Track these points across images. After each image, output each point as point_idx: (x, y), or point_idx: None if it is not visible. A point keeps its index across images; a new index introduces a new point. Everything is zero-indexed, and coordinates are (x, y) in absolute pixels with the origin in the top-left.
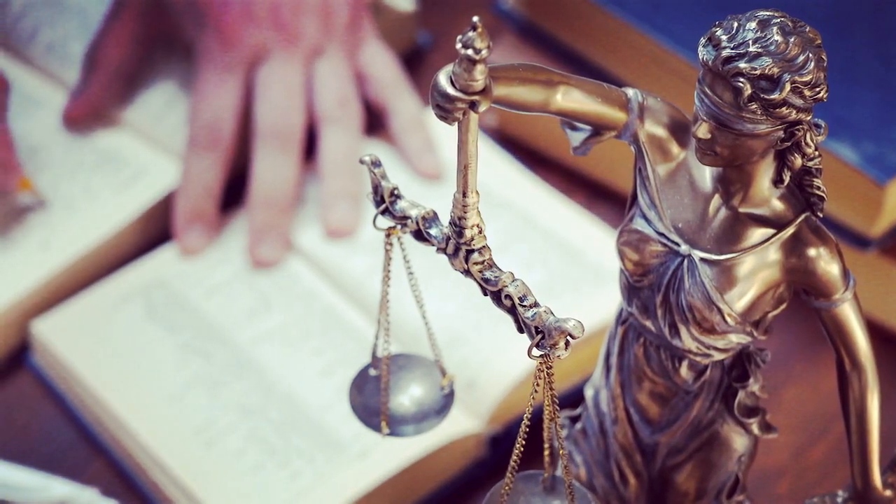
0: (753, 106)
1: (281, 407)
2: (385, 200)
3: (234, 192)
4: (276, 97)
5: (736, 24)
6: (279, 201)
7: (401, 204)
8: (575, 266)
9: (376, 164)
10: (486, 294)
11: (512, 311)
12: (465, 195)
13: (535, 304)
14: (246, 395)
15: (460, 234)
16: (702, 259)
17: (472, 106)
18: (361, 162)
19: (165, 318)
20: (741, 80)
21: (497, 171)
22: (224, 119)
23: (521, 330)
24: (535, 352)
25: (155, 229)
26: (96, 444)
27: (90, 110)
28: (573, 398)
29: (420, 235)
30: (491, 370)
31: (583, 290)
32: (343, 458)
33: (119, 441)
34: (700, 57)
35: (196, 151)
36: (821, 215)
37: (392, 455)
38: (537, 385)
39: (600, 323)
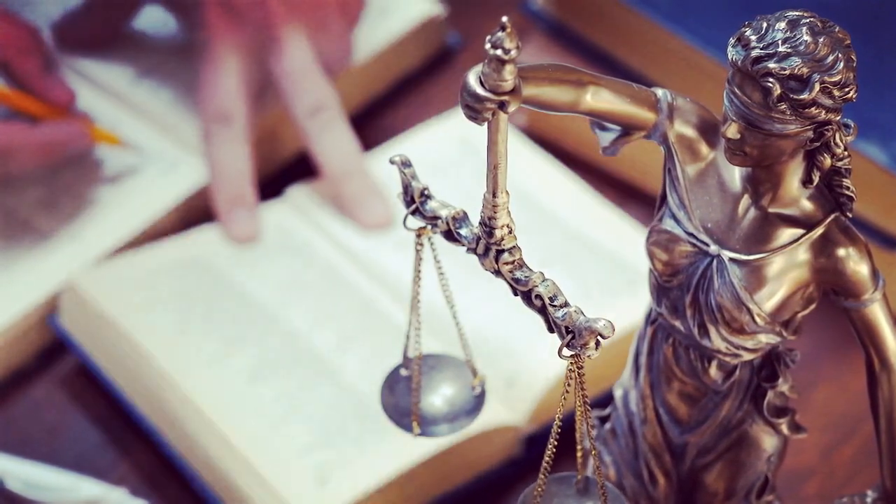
0: (783, 106)
1: (322, 384)
2: (415, 201)
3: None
4: (303, 78)
5: (765, 25)
6: (355, 166)
7: (431, 204)
8: (608, 267)
9: (406, 164)
10: (516, 294)
11: (542, 311)
12: (494, 195)
13: (566, 304)
14: (287, 375)
15: (490, 234)
16: (731, 259)
17: (502, 106)
18: (391, 162)
19: (203, 298)
20: (770, 80)
21: (538, 175)
22: (231, 99)
23: (551, 330)
24: (566, 352)
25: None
26: (125, 444)
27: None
28: (603, 398)
29: (450, 236)
30: (531, 368)
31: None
32: (387, 434)
33: (154, 404)
34: (729, 57)
35: (212, 136)
36: (850, 215)
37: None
38: (568, 385)
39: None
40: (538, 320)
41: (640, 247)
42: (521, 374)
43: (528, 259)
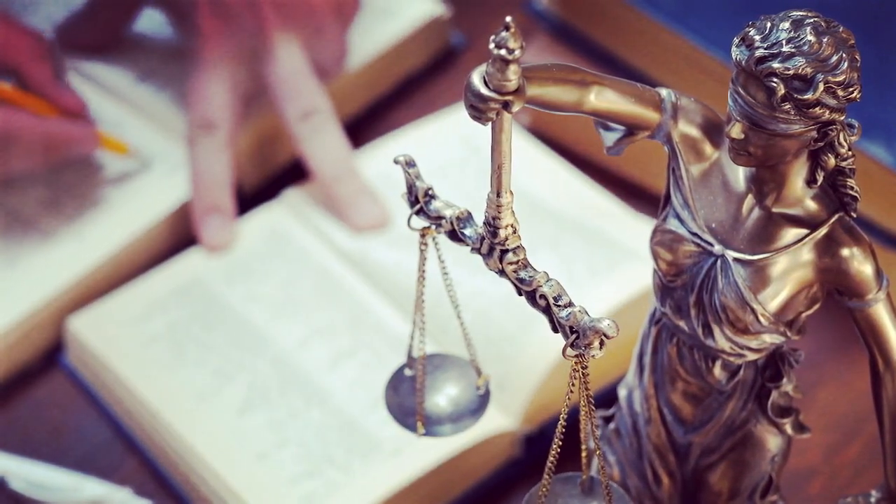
0: (787, 106)
1: (314, 401)
2: (420, 200)
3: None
4: (294, 82)
5: (769, 24)
6: (346, 169)
7: (435, 204)
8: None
9: (410, 164)
10: (520, 294)
11: (546, 310)
12: (498, 195)
13: (570, 304)
14: (284, 395)
15: (494, 234)
16: (735, 259)
17: (506, 106)
18: (396, 162)
19: (200, 316)
20: (774, 80)
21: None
22: (217, 107)
23: (555, 329)
24: (570, 351)
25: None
26: (130, 444)
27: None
28: (607, 398)
29: (454, 235)
30: (520, 368)
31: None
32: (377, 456)
33: (153, 439)
34: (733, 57)
35: (195, 143)
36: (854, 215)
37: (426, 452)
38: (572, 385)
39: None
40: (520, 321)
41: (644, 237)
42: (511, 376)
43: (531, 255)
